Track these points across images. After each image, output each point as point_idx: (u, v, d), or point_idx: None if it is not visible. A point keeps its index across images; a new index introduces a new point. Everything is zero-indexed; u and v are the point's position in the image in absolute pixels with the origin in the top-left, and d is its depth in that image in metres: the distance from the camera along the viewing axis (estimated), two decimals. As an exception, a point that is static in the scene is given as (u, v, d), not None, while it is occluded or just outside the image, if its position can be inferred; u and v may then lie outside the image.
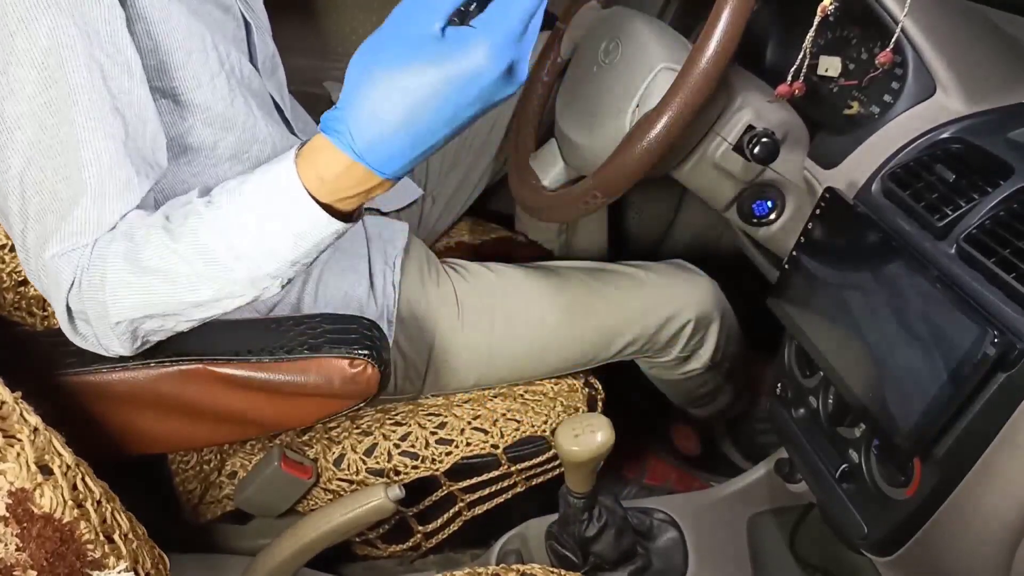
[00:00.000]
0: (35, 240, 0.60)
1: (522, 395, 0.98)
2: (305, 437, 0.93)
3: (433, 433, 0.92)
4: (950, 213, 0.65)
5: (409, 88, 0.48)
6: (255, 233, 0.56)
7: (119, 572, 0.55)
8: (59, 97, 0.58)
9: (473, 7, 0.49)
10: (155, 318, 0.62)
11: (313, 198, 0.54)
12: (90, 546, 0.54)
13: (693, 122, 0.73)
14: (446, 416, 0.94)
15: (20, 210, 0.60)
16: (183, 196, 0.61)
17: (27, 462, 0.54)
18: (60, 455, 0.56)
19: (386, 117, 0.49)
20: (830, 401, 0.77)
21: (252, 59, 0.81)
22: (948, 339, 0.59)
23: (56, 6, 0.56)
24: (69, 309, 0.62)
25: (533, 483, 0.99)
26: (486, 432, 0.93)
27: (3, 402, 0.56)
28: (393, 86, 0.48)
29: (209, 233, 0.57)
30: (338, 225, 0.56)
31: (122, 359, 0.68)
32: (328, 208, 0.55)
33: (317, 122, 0.98)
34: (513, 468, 0.95)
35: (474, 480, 0.95)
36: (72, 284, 0.60)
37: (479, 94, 0.49)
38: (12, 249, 0.75)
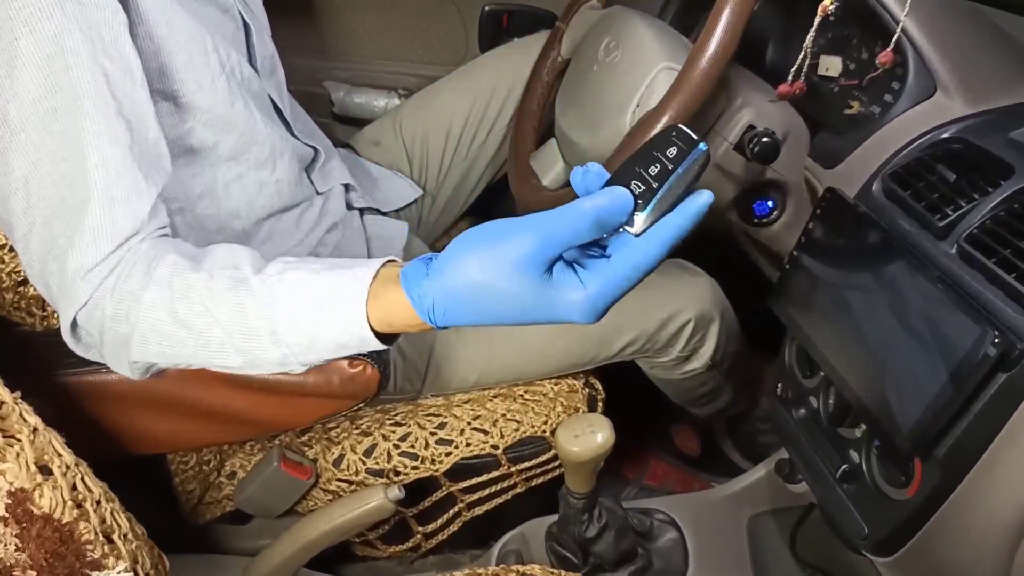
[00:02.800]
0: (40, 245, 0.60)
1: (522, 395, 0.98)
2: (304, 438, 0.93)
3: (433, 433, 0.92)
4: (951, 213, 0.65)
5: (497, 296, 0.48)
6: (303, 331, 0.56)
7: (119, 572, 0.55)
8: (64, 102, 0.57)
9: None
10: (173, 364, 0.61)
11: (372, 329, 0.55)
12: (89, 546, 0.54)
13: (694, 121, 0.73)
14: (446, 416, 0.94)
15: (24, 214, 0.59)
16: (228, 255, 0.60)
17: (27, 462, 0.53)
18: (60, 455, 0.56)
19: (468, 307, 0.50)
20: (831, 401, 0.77)
21: (251, 60, 0.81)
22: (949, 339, 0.59)
23: (61, 11, 0.56)
24: (75, 323, 0.61)
25: (533, 484, 0.99)
26: (486, 432, 0.93)
27: (3, 402, 0.55)
28: (485, 289, 0.48)
29: (256, 313, 0.56)
30: (384, 346, 0.56)
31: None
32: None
33: (317, 122, 1.00)
34: (513, 468, 0.95)
35: (474, 480, 0.95)
36: (86, 304, 0.59)
37: (554, 323, 0.51)
38: (12, 249, 0.75)
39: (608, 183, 0.49)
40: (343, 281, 0.55)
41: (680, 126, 0.49)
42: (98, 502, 0.57)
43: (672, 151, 0.48)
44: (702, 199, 0.48)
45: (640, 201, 0.48)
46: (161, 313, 0.57)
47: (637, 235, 0.48)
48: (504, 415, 0.95)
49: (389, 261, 0.56)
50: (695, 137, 0.48)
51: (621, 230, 0.49)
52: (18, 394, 0.57)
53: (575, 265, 0.49)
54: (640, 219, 0.48)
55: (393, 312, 0.53)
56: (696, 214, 0.48)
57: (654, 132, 0.73)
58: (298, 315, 0.55)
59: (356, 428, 0.93)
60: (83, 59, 0.58)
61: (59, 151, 0.58)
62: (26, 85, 0.56)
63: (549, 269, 0.48)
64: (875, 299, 0.67)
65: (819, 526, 1.00)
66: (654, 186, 0.48)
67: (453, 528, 1.01)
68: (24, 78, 0.56)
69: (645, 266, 0.49)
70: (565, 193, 0.87)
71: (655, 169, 0.48)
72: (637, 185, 0.48)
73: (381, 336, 0.55)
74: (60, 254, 0.59)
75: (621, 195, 0.47)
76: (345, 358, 0.70)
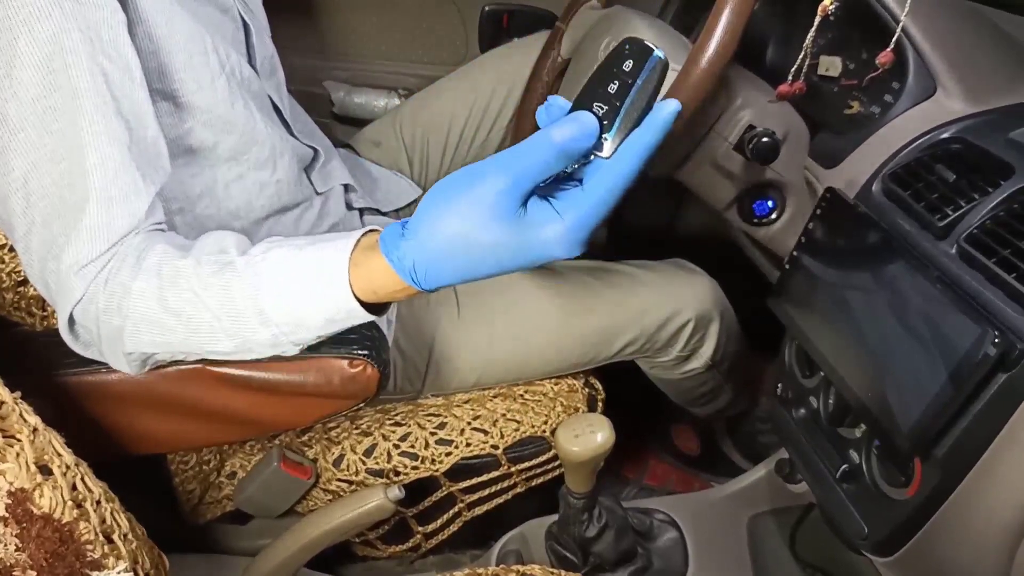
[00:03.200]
0: (40, 245, 0.60)
1: (522, 395, 0.98)
2: (304, 437, 0.93)
3: (433, 433, 0.92)
4: (951, 213, 0.65)
5: (477, 245, 0.48)
6: (289, 308, 0.56)
7: (119, 572, 0.55)
8: (63, 102, 0.57)
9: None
10: (168, 354, 0.62)
11: (358, 299, 0.55)
12: (89, 546, 0.54)
13: (694, 122, 0.73)
14: (446, 416, 0.94)
15: (23, 213, 0.59)
16: (215, 241, 0.60)
17: (27, 462, 0.53)
18: (60, 455, 0.56)
19: (449, 262, 0.49)
20: (830, 401, 0.77)
21: (251, 61, 0.81)
22: (948, 339, 0.59)
23: (60, 10, 0.56)
24: (72, 319, 0.61)
25: (533, 483, 0.99)
26: (486, 432, 0.93)
27: (2, 402, 0.55)
28: (463, 240, 0.48)
29: (242, 294, 0.56)
30: (372, 316, 0.56)
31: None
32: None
33: (317, 122, 1.00)
34: (513, 468, 0.95)
35: (474, 480, 0.95)
36: (81, 299, 0.59)
37: (539, 263, 0.50)
38: (12, 249, 0.75)
39: (571, 111, 0.48)
40: (325, 254, 0.55)
41: (633, 37, 0.48)
42: (98, 502, 0.57)
43: (628, 64, 0.47)
44: (668, 108, 0.46)
45: (605, 122, 0.47)
46: (151, 301, 0.58)
47: (607, 158, 0.47)
48: (504, 415, 0.95)
49: (371, 230, 0.56)
50: (650, 46, 0.47)
51: (592, 157, 0.48)
52: (18, 394, 0.57)
53: (549, 199, 0.48)
54: (608, 141, 0.47)
55: (375, 279, 0.53)
56: (663, 126, 0.46)
57: None
58: (283, 292, 0.56)
59: (356, 428, 0.93)
60: (82, 58, 0.58)
61: (58, 150, 0.58)
62: (25, 84, 0.56)
63: (524, 206, 0.47)
64: (875, 299, 0.67)
65: (819, 526, 1.00)
66: (616, 104, 0.46)
67: (453, 528, 1.01)
68: (23, 77, 0.56)
69: (619, 186, 0.47)
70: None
71: (614, 87, 0.46)
72: (599, 107, 0.47)
73: (369, 307, 0.55)
74: (58, 252, 0.59)
75: (585, 119, 0.46)
76: (346, 357, 0.70)
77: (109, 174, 0.59)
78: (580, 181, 0.49)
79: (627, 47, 0.47)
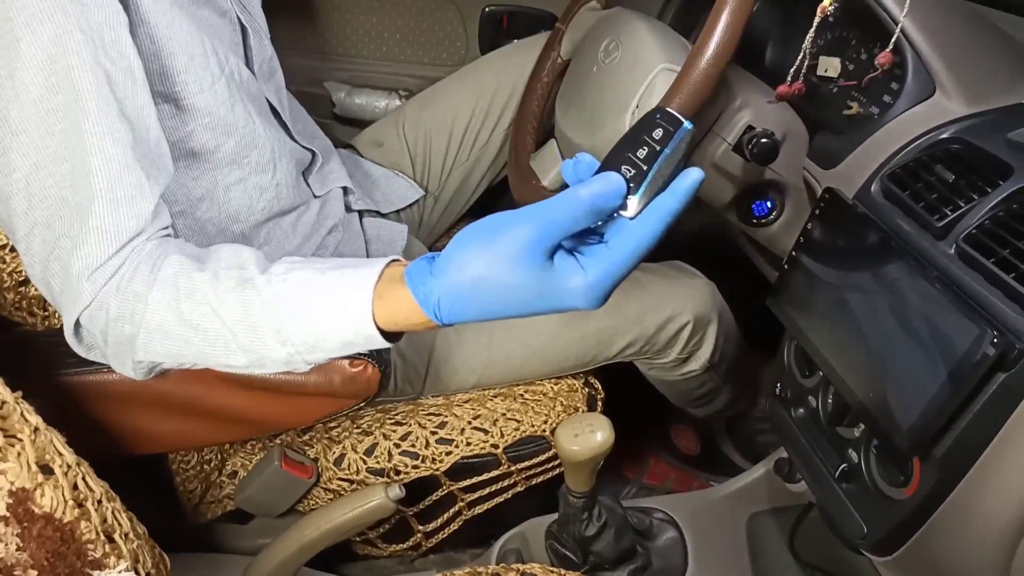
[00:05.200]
0: (42, 245, 0.60)
1: (522, 395, 0.98)
2: (305, 437, 0.93)
3: (433, 433, 0.93)
4: (949, 213, 0.65)
5: (502, 289, 0.49)
6: (309, 330, 0.56)
7: (120, 572, 0.55)
8: (67, 103, 0.57)
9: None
10: (178, 364, 0.61)
11: (378, 327, 0.55)
12: (91, 546, 0.54)
13: (693, 122, 0.73)
14: (446, 416, 0.94)
15: (25, 214, 0.59)
16: (232, 254, 0.60)
17: (28, 462, 0.54)
18: (61, 455, 0.57)
19: (473, 301, 0.50)
20: (829, 401, 0.77)
21: (248, 63, 0.81)
22: (947, 339, 0.59)
23: (62, 12, 0.56)
24: (78, 324, 0.61)
25: (533, 483, 0.99)
26: (486, 432, 0.93)
27: (4, 402, 0.56)
28: (488, 283, 0.49)
29: (262, 312, 0.56)
30: (390, 344, 0.57)
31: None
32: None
33: (318, 123, 1.00)
34: (513, 468, 0.95)
35: (474, 480, 0.95)
36: (89, 305, 0.59)
37: (560, 311, 0.51)
38: (13, 249, 0.75)
39: (599, 170, 0.49)
40: (349, 281, 0.55)
41: (665, 108, 0.50)
42: (99, 501, 0.57)
43: (658, 132, 0.49)
44: (692, 177, 0.48)
45: (632, 184, 0.48)
46: (166, 313, 0.57)
47: (632, 218, 0.49)
48: (504, 414, 0.95)
49: (393, 260, 0.56)
50: (680, 117, 0.49)
51: (616, 215, 0.49)
52: (19, 394, 0.57)
53: (575, 253, 0.50)
54: (634, 202, 0.48)
55: (399, 311, 0.54)
56: (687, 192, 0.48)
57: None
58: (304, 315, 0.56)
59: (357, 427, 0.93)
60: (85, 60, 0.58)
61: (60, 152, 0.58)
62: (28, 86, 0.56)
63: (550, 258, 0.49)
64: (874, 299, 0.67)
65: (818, 525, 1.00)
66: (644, 168, 0.48)
67: (453, 527, 1.01)
68: (26, 79, 0.56)
69: (643, 247, 0.49)
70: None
71: (643, 152, 0.49)
72: (627, 169, 0.48)
73: (386, 335, 0.56)
74: (63, 254, 0.59)
75: (614, 179, 0.48)
76: (348, 357, 0.70)
77: (114, 175, 0.59)
78: (602, 236, 0.50)
79: (658, 116, 0.49)
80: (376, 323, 0.54)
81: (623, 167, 0.49)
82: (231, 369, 0.60)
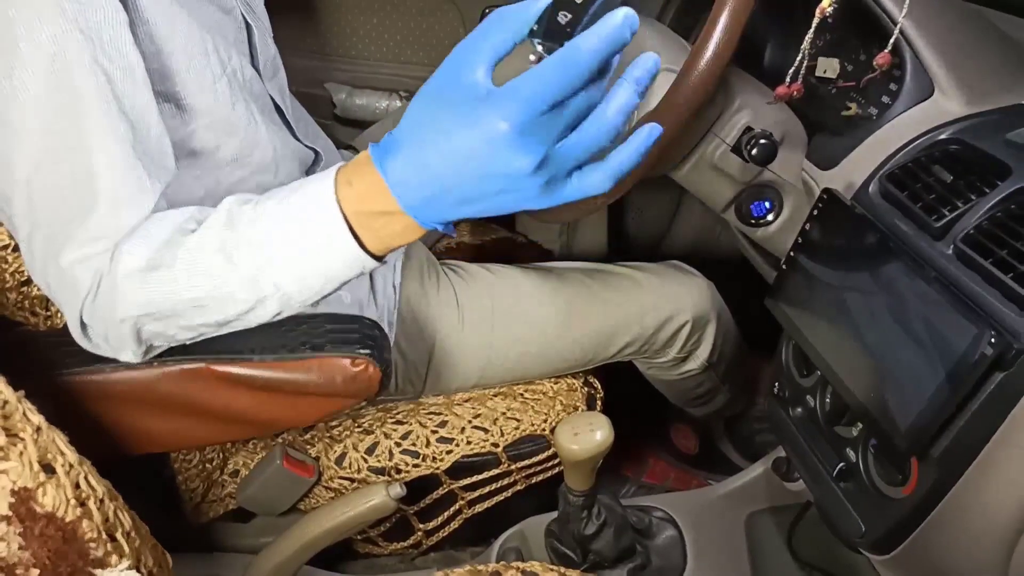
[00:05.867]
0: (43, 245, 0.60)
1: (522, 394, 0.99)
2: (307, 436, 0.94)
3: (434, 432, 0.93)
4: (948, 214, 0.65)
5: (443, 122, 0.47)
6: (274, 228, 0.55)
7: (122, 571, 0.55)
8: (67, 103, 0.58)
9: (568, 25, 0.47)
10: (153, 316, 0.61)
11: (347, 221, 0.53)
12: (93, 545, 0.54)
13: (692, 123, 0.74)
14: (447, 415, 0.94)
15: (27, 214, 0.60)
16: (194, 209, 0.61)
17: (30, 461, 0.54)
18: (63, 454, 0.57)
19: (426, 157, 0.48)
20: (827, 400, 0.77)
21: (253, 62, 0.81)
22: (945, 339, 0.59)
23: (61, 11, 0.56)
24: (82, 318, 0.61)
25: (533, 481, 0.99)
26: (486, 431, 0.94)
27: (6, 401, 0.56)
28: (432, 120, 0.47)
29: (230, 225, 0.56)
30: (356, 249, 0.53)
31: (125, 358, 0.68)
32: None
33: (319, 123, 1.00)
34: (513, 466, 0.96)
35: (474, 478, 0.95)
36: (89, 291, 0.59)
37: (502, 178, 0.47)
38: (15, 249, 0.75)
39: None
40: (313, 177, 0.55)
41: None
42: (101, 500, 0.58)
43: None
44: (616, 13, 0.45)
45: (568, 30, 0.46)
46: (137, 258, 0.58)
47: None
48: (504, 413, 0.95)
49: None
50: None
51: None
52: (21, 393, 0.58)
53: None
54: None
55: (367, 195, 0.51)
56: (611, 26, 0.45)
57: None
58: (271, 216, 0.55)
59: (358, 426, 0.94)
60: (84, 59, 0.58)
61: (60, 152, 0.58)
62: (27, 86, 0.57)
63: (481, 95, 0.46)
64: (872, 299, 0.67)
65: (816, 524, 1.00)
66: (582, 13, 0.47)
67: (454, 525, 1.01)
68: (25, 79, 0.56)
69: (554, 64, 0.44)
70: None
71: None
72: (564, 15, 0.47)
73: (361, 245, 0.53)
74: (59, 251, 0.59)
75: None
76: (341, 347, 0.70)
77: (117, 174, 0.59)
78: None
79: None
80: (343, 210, 0.52)
81: (560, 12, 0.46)
82: (203, 312, 0.59)
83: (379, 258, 0.55)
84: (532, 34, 0.46)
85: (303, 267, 0.55)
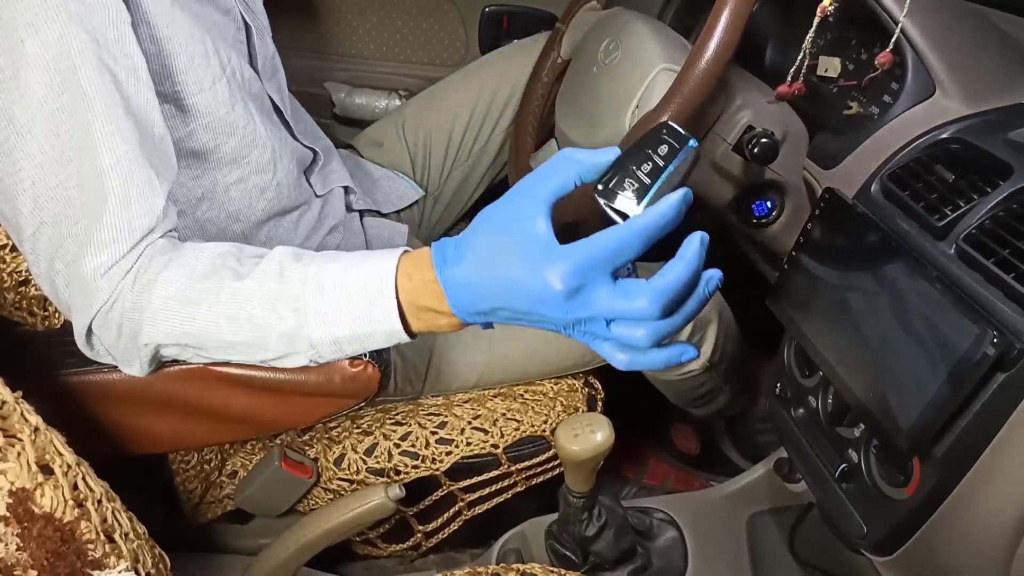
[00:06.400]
0: (48, 245, 0.60)
1: (522, 395, 0.98)
2: (306, 437, 0.93)
3: (433, 433, 0.93)
4: (949, 213, 0.65)
5: (501, 251, 0.51)
6: (325, 299, 0.57)
7: (120, 572, 0.55)
8: (72, 103, 0.57)
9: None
10: (181, 346, 0.61)
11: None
12: (91, 546, 0.54)
13: (693, 122, 0.74)
14: (446, 416, 0.94)
15: (31, 214, 0.59)
16: (256, 247, 0.62)
17: (28, 462, 0.54)
18: (61, 455, 0.57)
19: (480, 269, 0.52)
20: (829, 401, 0.77)
21: (252, 62, 0.81)
22: (947, 339, 0.59)
23: (66, 12, 0.56)
24: (92, 327, 0.61)
25: (533, 483, 0.99)
26: (486, 432, 0.93)
27: (4, 402, 0.56)
28: (494, 246, 0.51)
29: (281, 281, 0.58)
30: (400, 327, 0.57)
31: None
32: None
33: (318, 123, 1.00)
34: (513, 468, 0.95)
35: (474, 480, 0.95)
36: (106, 303, 0.59)
37: (544, 317, 0.51)
38: (13, 249, 0.75)
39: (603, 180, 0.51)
40: (375, 255, 0.58)
41: (670, 123, 0.51)
42: (99, 501, 0.57)
43: (663, 149, 0.50)
44: (676, 196, 0.49)
45: (634, 199, 0.50)
46: (176, 288, 0.58)
47: None
48: (504, 414, 0.95)
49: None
50: (685, 134, 0.50)
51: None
52: (19, 393, 0.57)
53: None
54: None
55: (417, 266, 0.55)
56: (669, 207, 0.49)
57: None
58: (327, 283, 0.57)
59: (357, 427, 0.93)
60: (89, 59, 0.58)
61: (66, 152, 0.58)
62: (33, 87, 0.56)
63: (545, 223, 0.50)
64: (874, 299, 0.67)
65: (818, 525, 1.00)
66: (647, 183, 0.50)
67: (453, 527, 1.01)
68: (31, 80, 0.56)
69: (618, 235, 0.49)
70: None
71: (648, 167, 0.50)
72: (631, 183, 0.50)
73: (404, 322, 0.56)
74: (67, 254, 0.59)
75: (606, 149, 0.51)
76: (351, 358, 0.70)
77: (125, 173, 0.59)
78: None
79: (664, 131, 0.51)
80: (399, 299, 0.55)
81: (627, 180, 0.50)
82: (233, 352, 0.60)
83: (414, 336, 0.58)
84: (596, 191, 0.51)
85: (344, 334, 0.58)
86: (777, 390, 0.85)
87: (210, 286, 0.58)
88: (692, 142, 0.50)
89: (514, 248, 0.50)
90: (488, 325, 0.56)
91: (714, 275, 0.52)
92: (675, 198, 0.49)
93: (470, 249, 0.52)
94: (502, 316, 0.53)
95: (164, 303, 0.58)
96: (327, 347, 0.59)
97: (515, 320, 0.53)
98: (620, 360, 0.52)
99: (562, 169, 0.51)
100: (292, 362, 0.61)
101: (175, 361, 0.70)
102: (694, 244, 0.50)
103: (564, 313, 0.50)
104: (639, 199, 0.49)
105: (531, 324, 0.53)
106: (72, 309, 0.61)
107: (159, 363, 0.65)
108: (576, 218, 1.16)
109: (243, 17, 0.80)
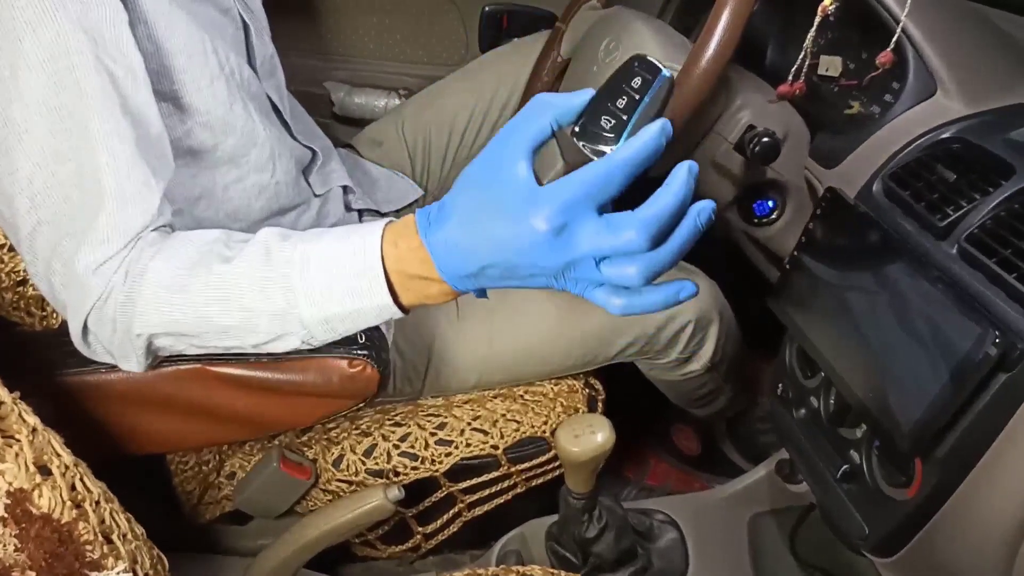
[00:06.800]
0: (45, 245, 0.60)
1: (522, 396, 0.98)
2: (304, 438, 0.93)
3: (433, 434, 0.92)
4: (951, 213, 0.65)
5: (494, 231, 0.50)
6: (314, 275, 0.56)
7: (118, 573, 0.55)
8: (70, 102, 0.57)
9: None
10: (175, 336, 0.61)
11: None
12: (89, 547, 0.54)
13: (693, 122, 0.73)
14: (446, 417, 0.94)
15: (28, 213, 0.59)
16: (242, 233, 0.62)
17: (26, 462, 0.53)
18: (59, 455, 0.56)
19: (462, 215, 0.51)
20: (831, 401, 0.77)
21: (250, 61, 0.81)
22: (949, 339, 0.59)
23: (63, 10, 0.56)
24: (86, 328, 0.61)
25: (533, 484, 0.99)
26: (486, 433, 0.93)
27: (2, 402, 0.55)
28: (476, 188, 0.51)
29: (268, 262, 0.57)
30: (390, 301, 0.56)
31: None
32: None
33: (317, 122, 0.99)
34: (513, 469, 0.95)
35: (474, 481, 0.95)
36: (100, 298, 0.59)
37: (535, 267, 0.50)
38: (11, 249, 0.75)
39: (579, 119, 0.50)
40: (362, 227, 0.57)
41: (643, 55, 0.51)
42: (97, 502, 0.57)
43: (637, 81, 0.49)
44: (653, 127, 0.48)
45: (612, 135, 0.49)
46: (166, 277, 0.58)
47: None
48: (504, 415, 0.95)
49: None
50: (658, 65, 0.49)
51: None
52: (17, 394, 0.57)
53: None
54: (611, 151, 0.49)
55: (408, 258, 0.54)
56: (648, 140, 0.48)
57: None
58: (313, 257, 0.56)
59: (356, 428, 0.93)
60: (87, 58, 0.58)
61: (64, 151, 0.58)
62: (31, 85, 0.56)
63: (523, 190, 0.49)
64: (875, 299, 0.67)
65: (819, 526, 1.00)
66: (624, 119, 0.49)
67: (453, 528, 1.01)
68: (29, 78, 0.56)
69: (597, 173, 0.48)
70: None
71: (623, 101, 0.49)
72: (607, 120, 0.49)
73: (393, 294, 0.55)
74: (64, 253, 0.59)
75: (580, 92, 0.50)
76: (339, 348, 0.70)
77: (122, 172, 0.59)
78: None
79: (636, 64, 0.50)
80: (385, 268, 0.54)
81: (603, 118, 0.49)
82: (226, 337, 0.60)
83: (406, 311, 0.57)
84: (573, 133, 0.50)
85: (334, 312, 0.57)
86: (778, 391, 0.85)
87: (199, 272, 0.58)
88: (665, 72, 0.49)
89: (497, 199, 0.49)
90: (482, 293, 0.55)
91: (706, 206, 0.49)
92: (654, 128, 0.48)
93: (454, 209, 0.51)
94: (493, 275, 0.52)
95: (154, 293, 0.58)
96: (318, 326, 0.57)
97: (507, 279, 0.52)
98: (615, 305, 0.51)
99: (538, 114, 0.50)
100: (284, 344, 0.60)
101: (173, 361, 0.70)
102: (681, 173, 0.48)
103: (552, 257, 0.48)
104: (617, 135, 0.49)
105: (523, 283, 0.52)
106: (68, 308, 0.61)
107: (155, 356, 0.65)
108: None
109: (241, 16, 0.80)
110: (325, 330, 0.58)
